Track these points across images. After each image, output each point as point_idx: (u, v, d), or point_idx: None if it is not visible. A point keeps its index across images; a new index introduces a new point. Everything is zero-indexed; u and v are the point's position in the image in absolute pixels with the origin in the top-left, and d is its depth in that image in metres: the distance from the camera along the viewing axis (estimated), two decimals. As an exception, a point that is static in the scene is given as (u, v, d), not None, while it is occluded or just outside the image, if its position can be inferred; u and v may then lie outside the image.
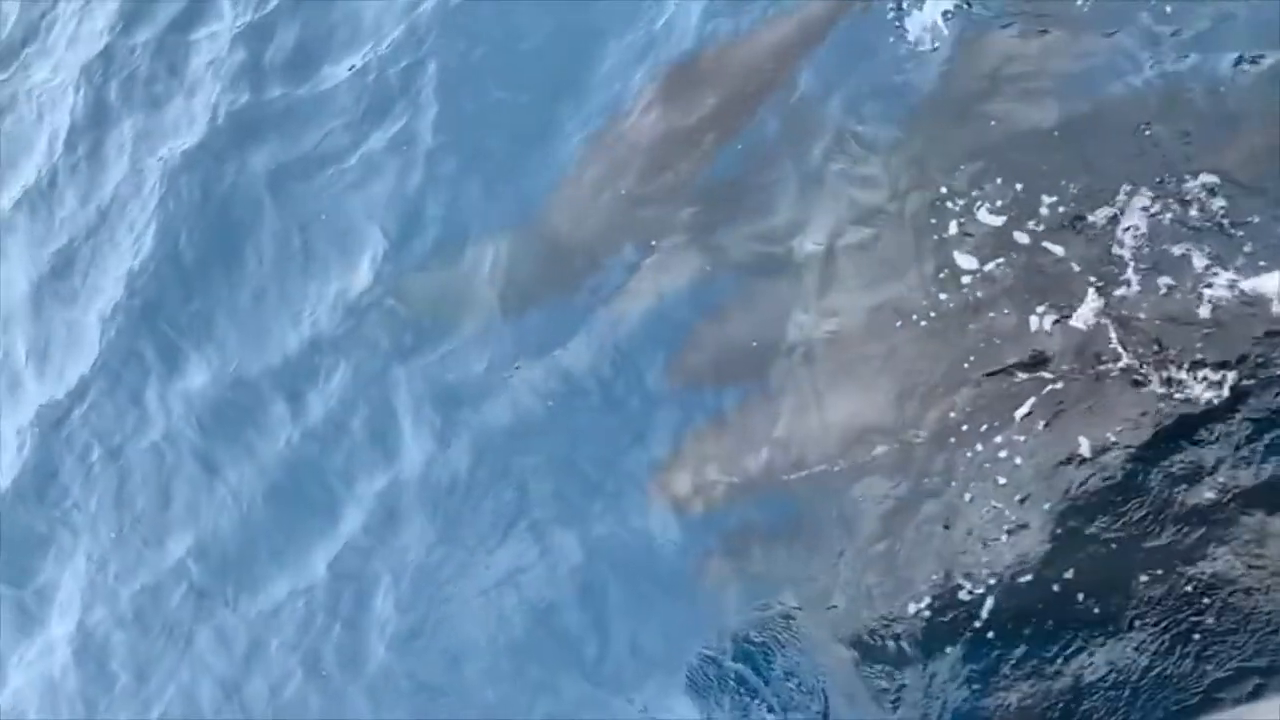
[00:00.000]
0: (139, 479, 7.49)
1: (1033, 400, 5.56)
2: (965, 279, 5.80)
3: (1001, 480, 5.51)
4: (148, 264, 7.89)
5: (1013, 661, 5.28)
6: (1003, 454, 5.54)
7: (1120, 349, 5.47)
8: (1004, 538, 5.46)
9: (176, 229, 7.93)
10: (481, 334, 7.00)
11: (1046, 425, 5.50)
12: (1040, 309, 5.65)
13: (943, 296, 5.83)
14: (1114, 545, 5.22)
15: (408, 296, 7.31)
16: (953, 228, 5.89)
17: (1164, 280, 5.43)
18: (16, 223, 8.71)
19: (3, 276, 8.64)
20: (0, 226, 8.82)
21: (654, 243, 6.71)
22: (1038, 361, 5.60)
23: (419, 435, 6.89)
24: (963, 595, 5.45)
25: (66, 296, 8.24)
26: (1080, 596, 5.22)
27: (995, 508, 5.49)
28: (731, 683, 5.85)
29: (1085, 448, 5.40)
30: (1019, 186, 5.84)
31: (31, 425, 7.92)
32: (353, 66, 7.94)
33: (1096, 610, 5.17)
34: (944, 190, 5.97)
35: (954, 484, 5.60)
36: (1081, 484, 5.36)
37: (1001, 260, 5.77)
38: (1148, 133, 5.66)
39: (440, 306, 7.30)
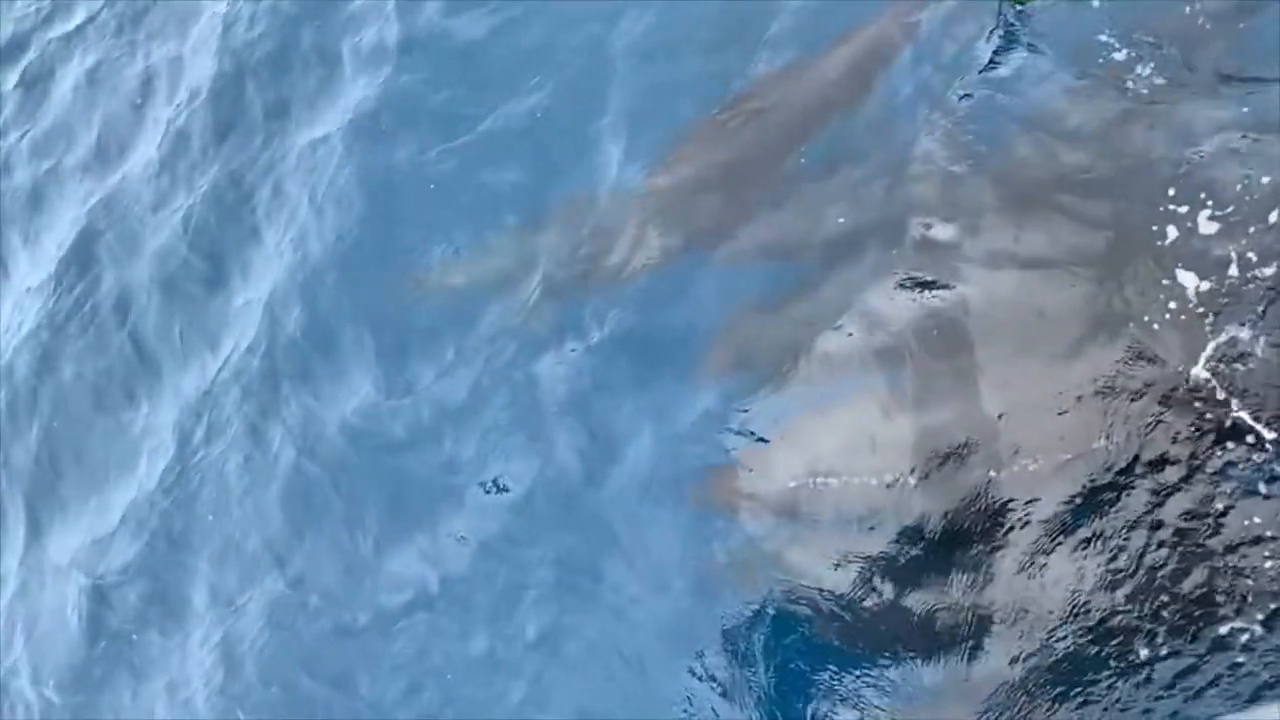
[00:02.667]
0: (274, 491, 7.13)
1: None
2: (1191, 292, 5.47)
3: (1263, 490, 5.15)
4: (288, 254, 7.52)
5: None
6: (1256, 456, 5.17)
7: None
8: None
9: (321, 217, 7.53)
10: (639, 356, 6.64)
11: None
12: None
13: (1172, 306, 5.50)
14: None
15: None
16: (1172, 233, 5.54)
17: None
18: (142, 197, 8.24)
19: (125, 256, 8.18)
20: (123, 203, 8.37)
21: (790, 234, 6.47)
22: None
23: (558, 444, 6.58)
24: (1223, 629, 5.08)
25: (200, 286, 7.84)
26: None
27: (1256, 524, 5.12)
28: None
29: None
30: (1239, 201, 5.51)
31: (173, 426, 7.56)
32: (498, 43, 7.58)
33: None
34: (1164, 196, 5.63)
35: (1194, 490, 5.23)
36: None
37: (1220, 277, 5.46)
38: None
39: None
